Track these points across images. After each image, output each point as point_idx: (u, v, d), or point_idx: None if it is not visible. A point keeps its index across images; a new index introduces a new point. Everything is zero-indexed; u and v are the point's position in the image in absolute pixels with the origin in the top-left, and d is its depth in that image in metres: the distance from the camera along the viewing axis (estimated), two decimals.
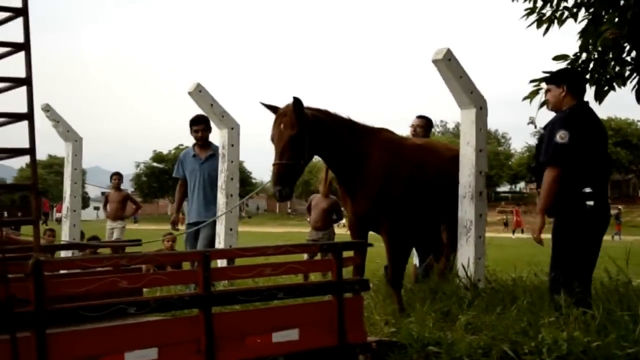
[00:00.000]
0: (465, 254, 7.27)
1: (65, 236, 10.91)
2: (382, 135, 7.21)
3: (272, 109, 6.74)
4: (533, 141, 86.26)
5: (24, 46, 4.20)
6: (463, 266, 7.22)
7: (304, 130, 6.45)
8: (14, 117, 4.29)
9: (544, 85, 8.59)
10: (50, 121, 10.73)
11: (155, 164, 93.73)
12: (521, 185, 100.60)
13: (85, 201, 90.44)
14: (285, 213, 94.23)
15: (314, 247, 5.31)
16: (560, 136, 5.94)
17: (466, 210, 7.32)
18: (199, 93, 8.98)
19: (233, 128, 9.20)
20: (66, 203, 10.86)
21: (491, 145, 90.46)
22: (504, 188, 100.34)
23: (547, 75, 7.07)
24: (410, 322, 6.02)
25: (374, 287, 7.89)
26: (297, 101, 6.45)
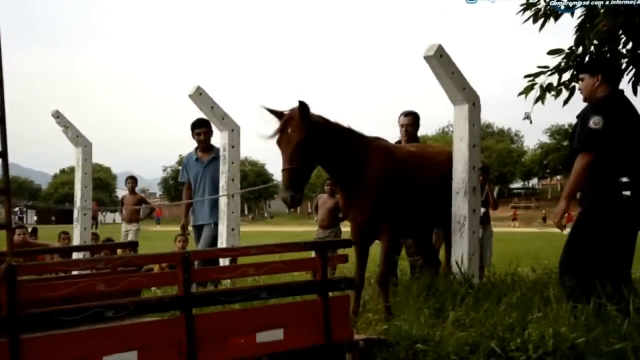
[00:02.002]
0: (459, 250, 7.04)
1: (76, 239, 10.76)
2: (378, 144, 6.86)
3: (277, 114, 6.34)
4: (545, 139, 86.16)
5: None
6: (456, 262, 6.97)
7: (311, 134, 6.12)
8: None
9: (538, 80, 8.35)
10: (60, 127, 10.56)
11: (180, 168, 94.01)
12: (534, 181, 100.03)
13: (115, 204, 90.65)
14: (306, 213, 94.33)
15: (298, 246, 5.05)
16: (594, 122, 5.53)
17: (460, 206, 7.08)
18: (199, 96, 8.80)
19: (233, 130, 9.04)
20: (77, 206, 10.69)
21: (504, 143, 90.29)
22: (517, 185, 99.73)
23: (581, 63, 6.65)
24: (401, 319, 5.80)
25: (371, 286, 7.67)
26: (303, 105, 6.11)
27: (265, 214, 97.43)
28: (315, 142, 6.15)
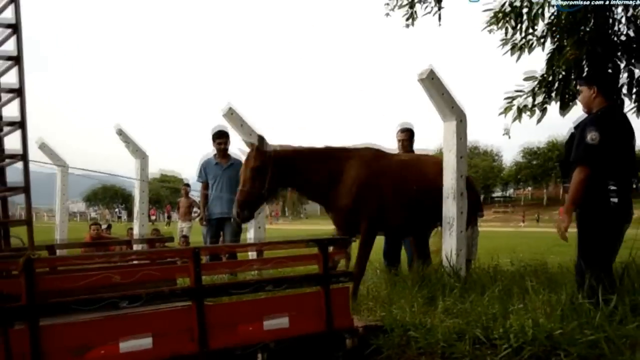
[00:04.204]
0: (449, 246, 6.31)
1: (136, 234, 10.18)
2: (361, 153, 6.21)
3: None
4: (519, 158, 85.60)
5: (19, 55, 3.40)
6: (446, 257, 6.26)
7: (264, 164, 5.76)
8: (9, 125, 3.48)
9: (515, 102, 7.70)
10: (122, 142, 9.98)
11: None
12: (510, 191, 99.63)
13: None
14: None
15: (300, 242, 4.40)
16: (592, 137, 4.72)
17: (449, 209, 6.35)
18: (231, 115, 8.21)
19: None
20: (136, 207, 10.11)
21: (487, 161, 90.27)
22: (497, 193, 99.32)
23: (580, 77, 5.98)
24: (397, 307, 5.09)
25: (375, 278, 6.97)
26: (259, 138, 5.86)
27: (302, 215, 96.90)
28: (270, 170, 5.78)
